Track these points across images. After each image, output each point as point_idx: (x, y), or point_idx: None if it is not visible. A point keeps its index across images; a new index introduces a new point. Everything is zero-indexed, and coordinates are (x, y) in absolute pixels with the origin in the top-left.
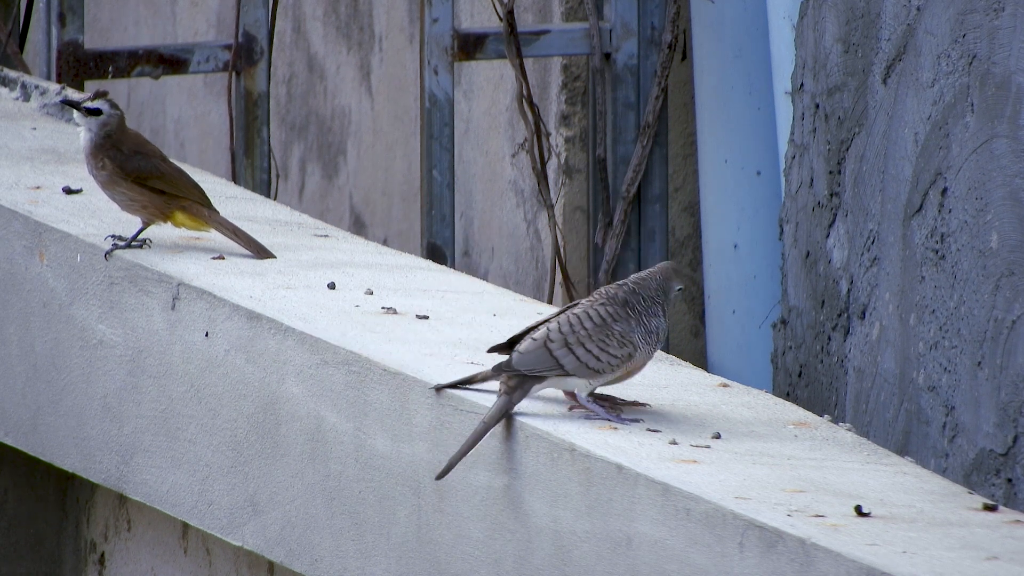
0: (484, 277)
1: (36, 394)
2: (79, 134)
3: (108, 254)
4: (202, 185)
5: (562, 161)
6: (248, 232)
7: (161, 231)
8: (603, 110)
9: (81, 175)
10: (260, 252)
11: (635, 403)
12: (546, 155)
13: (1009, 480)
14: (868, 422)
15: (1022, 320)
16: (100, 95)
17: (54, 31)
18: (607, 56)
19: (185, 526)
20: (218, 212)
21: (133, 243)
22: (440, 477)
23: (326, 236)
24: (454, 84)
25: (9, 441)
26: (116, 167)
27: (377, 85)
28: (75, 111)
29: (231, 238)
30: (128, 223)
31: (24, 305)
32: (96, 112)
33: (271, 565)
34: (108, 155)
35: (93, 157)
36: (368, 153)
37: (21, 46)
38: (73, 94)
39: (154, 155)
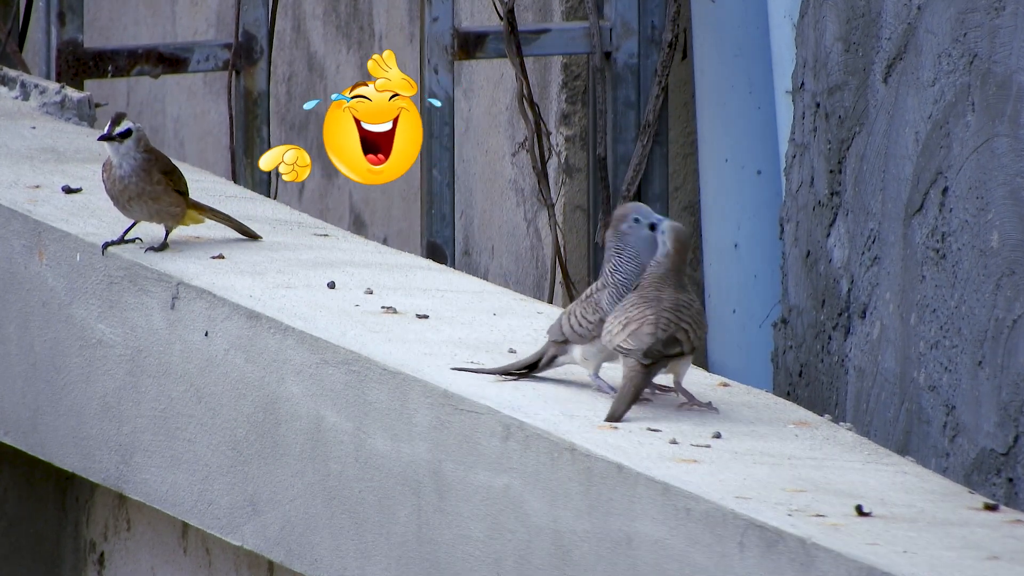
0: (484, 276)
1: (35, 393)
2: (116, 163)
3: (105, 247)
4: (202, 184)
5: (562, 160)
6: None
7: (152, 230)
8: (603, 109)
9: (81, 174)
10: (247, 233)
11: (705, 404)
12: (546, 154)
13: (1010, 480)
14: (869, 421)
15: (1023, 320)
16: (120, 119)
17: (53, 30)
18: (607, 55)
19: (185, 526)
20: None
21: (125, 239)
22: (611, 420)
23: (326, 235)
24: (454, 83)
25: (8, 440)
26: (168, 179)
27: None
28: (107, 143)
29: (223, 222)
30: (128, 222)
31: (23, 304)
32: (127, 133)
33: (271, 565)
34: (156, 167)
35: (147, 174)
36: None
37: (20, 45)
38: (72, 92)
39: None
